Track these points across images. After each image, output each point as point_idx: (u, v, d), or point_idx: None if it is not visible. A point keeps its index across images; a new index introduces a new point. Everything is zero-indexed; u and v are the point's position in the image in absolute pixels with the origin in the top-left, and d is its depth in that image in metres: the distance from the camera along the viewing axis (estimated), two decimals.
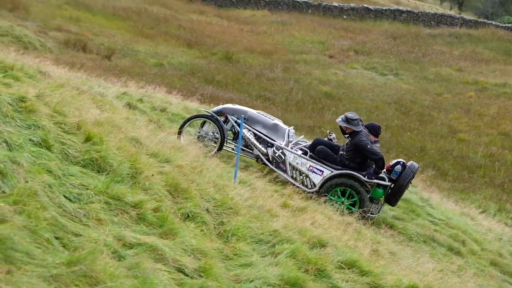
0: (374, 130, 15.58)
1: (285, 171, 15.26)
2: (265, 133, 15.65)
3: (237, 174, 12.38)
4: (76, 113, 9.50)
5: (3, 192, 6.07)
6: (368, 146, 14.65)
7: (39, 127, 8.16)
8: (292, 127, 16.33)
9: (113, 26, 47.27)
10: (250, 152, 15.60)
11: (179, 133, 14.73)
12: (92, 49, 39.14)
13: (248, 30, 55.28)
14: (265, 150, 15.38)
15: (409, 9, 66.86)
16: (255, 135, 15.58)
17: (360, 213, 14.28)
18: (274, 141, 15.50)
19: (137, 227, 7.16)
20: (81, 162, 8.11)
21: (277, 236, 9.07)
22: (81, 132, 8.85)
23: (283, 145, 15.33)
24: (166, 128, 15.11)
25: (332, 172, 14.85)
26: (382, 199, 15.13)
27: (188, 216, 8.34)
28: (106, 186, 7.51)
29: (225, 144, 15.41)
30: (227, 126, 15.61)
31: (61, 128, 8.67)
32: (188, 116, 17.58)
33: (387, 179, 14.83)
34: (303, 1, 64.98)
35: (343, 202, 14.67)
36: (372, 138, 15.23)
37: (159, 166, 9.51)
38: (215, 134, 15.35)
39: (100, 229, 6.60)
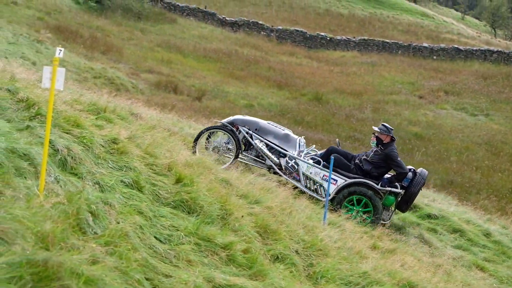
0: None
1: (298, 181, 15.18)
2: (277, 143, 15.58)
3: (326, 216, 12.28)
4: (167, 154, 9.59)
5: (95, 233, 6.12)
6: (398, 158, 14.88)
7: (131, 169, 8.25)
8: (303, 137, 16.28)
9: (204, 68, 47.83)
10: (262, 162, 15.52)
11: (194, 146, 14.65)
12: (183, 90, 39.61)
13: (338, 71, 55.19)
14: (277, 160, 15.31)
15: (500, 49, 65.81)
16: (267, 145, 15.51)
17: (373, 220, 14.40)
18: (286, 151, 15.45)
19: (226, 268, 7.14)
20: (172, 203, 8.16)
21: (366, 278, 8.94)
22: (172, 173, 8.91)
23: (295, 155, 15.29)
24: (255, 169, 15.14)
25: (346, 180, 14.84)
26: (393, 206, 15.14)
27: (277, 257, 8.29)
28: (196, 227, 7.52)
29: (240, 156, 15.44)
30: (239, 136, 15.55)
31: (152, 169, 8.76)
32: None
33: (399, 187, 14.91)
34: (392, 42, 64.67)
35: (358, 210, 14.64)
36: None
37: (249, 208, 9.49)
38: (228, 145, 15.36)
39: (190, 270, 6.59)
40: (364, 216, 14.48)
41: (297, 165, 15.21)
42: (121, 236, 6.17)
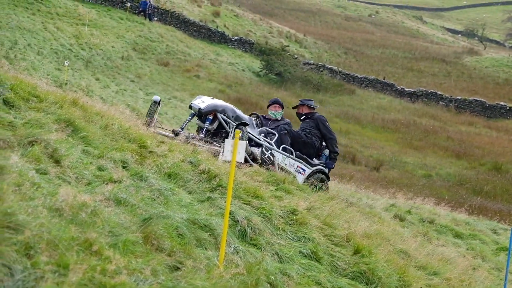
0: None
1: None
2: (251, 132, 13.94)
3: (506, 287, 11.75)
4: (345, 225, 9.52)
5: None
6: (327, 123, 15.13)
7: (309, 239, 8.23)
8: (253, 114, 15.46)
9: (382, 138, 47.62)
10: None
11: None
12: (361, 161, 39.52)
13: None
14: (249, 149, 13.51)
15: None
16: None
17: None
18: (260, 140, 13.95)
19: None
20: (350, 274, 8.07)
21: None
22: (350, 244, 8.83)
23: (270, 146, 13.98)
24: (434, 240, 14.76)
25: (310, 169, 14.63)
26: None
27: None
28: None
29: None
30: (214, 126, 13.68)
31: (330, 240, 8.70)
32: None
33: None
34: None
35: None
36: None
37: (427, 279, 9.28)
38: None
39: None
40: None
41: (273, 156, 13.92)
42: None
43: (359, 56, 78.90)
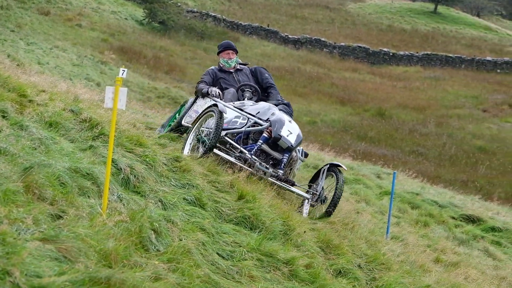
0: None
1: None
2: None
3: (389, 230, 12.15)
4: (229, 171, 9.60)
5: (158, 250, 6.15)
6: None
7: (193, 186, 8.28)
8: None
9: None
10: None
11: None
12: None
13: (401, 86, 54.78)
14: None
15: None
16: None
17: None
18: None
19: (289, 283, 7.11)
20: (234, 220, 8.17)
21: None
22: (234, 190, 8.92)
23: None
24: None
25: None
26: None
27: (340, 272, 8.22)
28: (259, 243, 7.51)
29: None
30: None
31: (214, 186, 8.78)
32: None
33: None
34: (456, 56, 63.97)
35: None
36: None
37: (311, 223, 9.46)
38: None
39: (252, 286, 6.58)
40: None
41: None
42: (184, 253, 6.19)
43: (243, 4, 78.67)
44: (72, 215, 5.71)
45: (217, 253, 6.95)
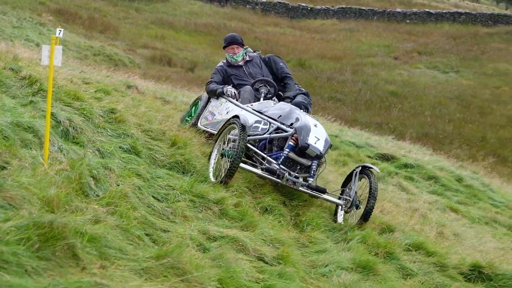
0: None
1: None
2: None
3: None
4: (162, 120, 9.63)
5: (97, 195, 6.17)
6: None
7: (128, 135, 8.29)
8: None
9: (195, 41, 47.60)
10: None
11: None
12: (177, 63, 39.45)
13: (319, 38, 54.96)
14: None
15: (467, 11, 65.61)
16: None
17: None
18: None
19: (220, 221, 7.20)
20: (168, 165, 8.24)
21: (348, 224, 9.01)
22: (167, 138, 8.96)
23: None
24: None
25: None
26: None
27: (266, 209, 8.35)
28: (191, 185, 7.58)
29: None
30: None
31: (148, 135, 8.80)
32: None
33: None
34: (368, 9, 64.32)
35: None
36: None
37: None
38: None
39: (186, 225, 6.65)
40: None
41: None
42: (121, 197, 6.22)
43: None
44: (15, 166, 5.68)
45: (153, 196, 7.00)
